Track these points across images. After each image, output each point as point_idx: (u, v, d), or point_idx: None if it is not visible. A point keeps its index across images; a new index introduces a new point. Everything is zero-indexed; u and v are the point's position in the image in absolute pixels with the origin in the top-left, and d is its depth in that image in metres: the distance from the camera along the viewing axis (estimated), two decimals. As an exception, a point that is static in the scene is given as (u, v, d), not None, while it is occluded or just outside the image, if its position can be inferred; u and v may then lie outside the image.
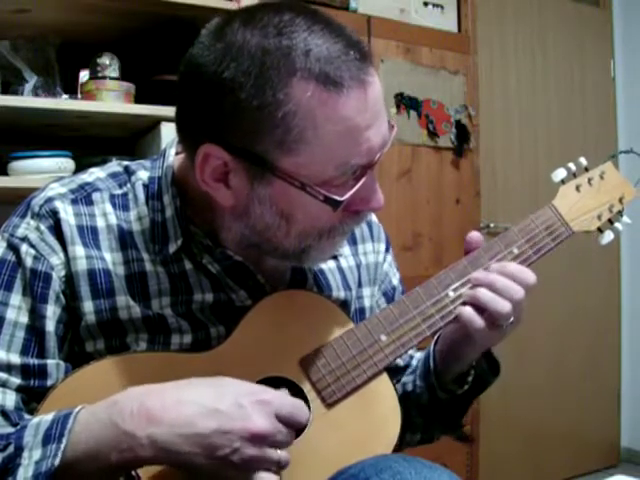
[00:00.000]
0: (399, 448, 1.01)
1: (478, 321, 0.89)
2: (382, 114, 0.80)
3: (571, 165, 1.03)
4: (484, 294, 0.90)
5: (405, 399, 1.01)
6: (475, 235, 0.96)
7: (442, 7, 2.54)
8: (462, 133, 2.52)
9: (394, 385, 0.92)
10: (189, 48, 0.81)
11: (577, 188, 1.02)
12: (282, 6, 0.78)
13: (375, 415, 0.89)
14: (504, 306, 0.88)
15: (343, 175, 0.78)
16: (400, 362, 1.07)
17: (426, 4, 2.51)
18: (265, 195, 0.79)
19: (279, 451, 0.74)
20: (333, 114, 0.75)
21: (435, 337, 1.01)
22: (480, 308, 0.90)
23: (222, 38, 0.77)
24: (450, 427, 1.01)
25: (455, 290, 0.93)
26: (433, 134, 2.46)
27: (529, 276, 0.91)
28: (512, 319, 0.90)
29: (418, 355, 1.09)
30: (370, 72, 0.77)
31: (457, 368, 0.98)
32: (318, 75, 0.74)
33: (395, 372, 1.06)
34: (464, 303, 0.91)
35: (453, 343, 0.96)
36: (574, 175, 1.03)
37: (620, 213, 1.05)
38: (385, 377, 0.91)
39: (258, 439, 0.71)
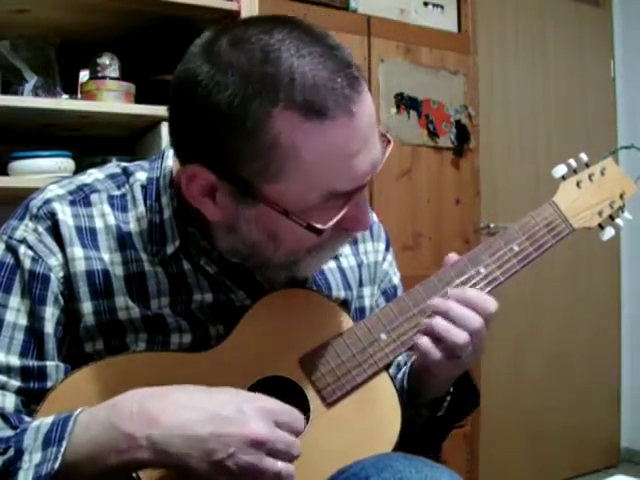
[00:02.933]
0: None
1: (434, 352, 0.86)
2: (372, 138, 0.78)
3: (572, 161, 1.03)
4: (439, 323, 0.86)
5: None
6: (452, 257, 0.94)
7: (442, 7, 2.54)
8: (462, 133, 2.52)
9: (394, 384, 0.92)
10: (179, 63, 0.79)
11: (578, 184, 1.02)
12: (275, 24, 0.76)
13: (375, 414, 0.89)
14: (460, 336, 0.85)
15: (326, 202, 0.77)
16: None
17: (426, 4, 2.51)
18: (250, 216, 0.79)
19: (281, 463, 0.72)
20: (316, 145, 0.74)
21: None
22: (437, 338, 0.86)
23: (209, 58, 0.75)
24: (428, 450, 0.95)
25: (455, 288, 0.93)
26: (433, 134, 2.46)
27: (489, 304, 0.87)
28: (470, 349, 0.86)
29: (399, 376, 1.04)
30: (358, 99, 0.75)
31: (429, 394, 0.95)
32: (301, 105, 0.72)
33: None
34: (422, 332, 0.88)
35: (416, 372, 0.95)
36: (575, 171, 1.03)
37: (621, 209, 1.05)
38: (385, 376, 0.91)
39: (255, 445, 0.70)
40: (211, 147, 0.76)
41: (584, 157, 1.04)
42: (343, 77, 0.74)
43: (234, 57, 0.74)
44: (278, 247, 0.82)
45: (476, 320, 0.86)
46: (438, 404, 0.96)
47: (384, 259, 1.07)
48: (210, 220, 0.83)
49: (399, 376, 1.04)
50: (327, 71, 0.73)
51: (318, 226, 0.77)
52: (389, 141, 0.83)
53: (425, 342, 0.87)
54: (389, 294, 1.06)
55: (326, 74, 0.73)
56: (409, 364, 1.00)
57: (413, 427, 0.95)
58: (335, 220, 0.78)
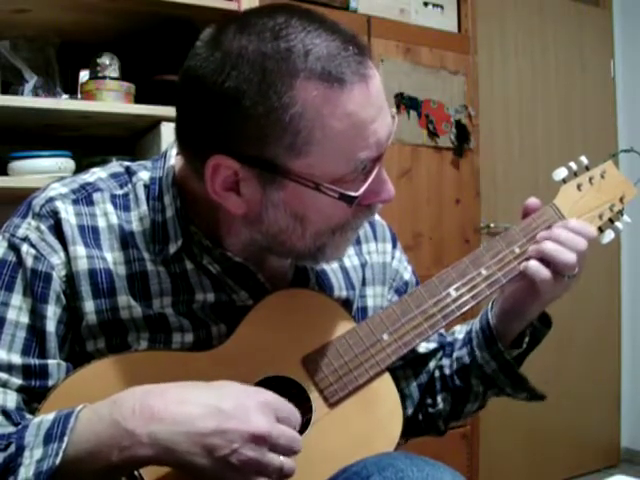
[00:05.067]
0: (458, 418, 1.05)
1: (544, 272, 0.93)
2: (385, 106, 0.80)
3: (572, 164, 1.03)
4: (550, 246, 0.94)
5: (463, 371, 1.02)
6: (532, 201, 1.00)
7: (442, 7, 2.54)
8: (462, 133, 2.52)
9: (396, 384, 0.92)
10: (185, 60, 0.80)
11: (578, 187, 1.02)
12: (275, 9, 0.78)
13: (377, 414, 0.89)
14: (569, 257, 0.93)
15: (354, 171, 0.78)
16: (430, 345, 1.06)
17: (426, 4, 2.51)
18: (278, 199, 0.80)
19: (283, 458, 0.72)
20: (339, 111, 0.75)
21: (489, 304, 1.02)
22: (545, 261, 0.93)
23: (218, 47, 0.76)
24: (520, 387, 1.05)
25: (457, 289, 0.93)
26: (433, 134, 2.46)
27: (590, 228, 0.97)
28: (576, 270, 0.94)
29: (459, 328, 1.09)
30: (369, 65, 0.78)
31: (517, 328, 1.00)
32: (320, 74, 0.74)
33: (423, 357, 1.06)
34: (527, 259, 0.95)
35: (517, 301, 0.97)
36: (575, 174, 1.03)
37: (620, 212, 1.05)
38: (387, 376, 0.91)
39: (258, 440, 0.71)
40: (233, 133, 0.77)
41: (584, 160, 1.04)
42: (353, 46, 0.77)
43: (244, 41, 0.75)
44: (305, 230, 0.82)
45: (582, 242, 0.95)
46: (517, 341, 1.01)
47: (393, 257, 1.08)
48: (232, 214, 0.83)
49: (460, 336, 1.06)
50: (337, 41, 0.76)
51: (351, 193, 0.78)
52: (393, 117, 0.84)
53: (535, 264, 0.94)
54: (401, 291, 1.06)
55: (337, 44, 0.76)
56: (489, 309, 1.01)
57: (508, 369, 1.00)
58: (365, 186, 0.79)
